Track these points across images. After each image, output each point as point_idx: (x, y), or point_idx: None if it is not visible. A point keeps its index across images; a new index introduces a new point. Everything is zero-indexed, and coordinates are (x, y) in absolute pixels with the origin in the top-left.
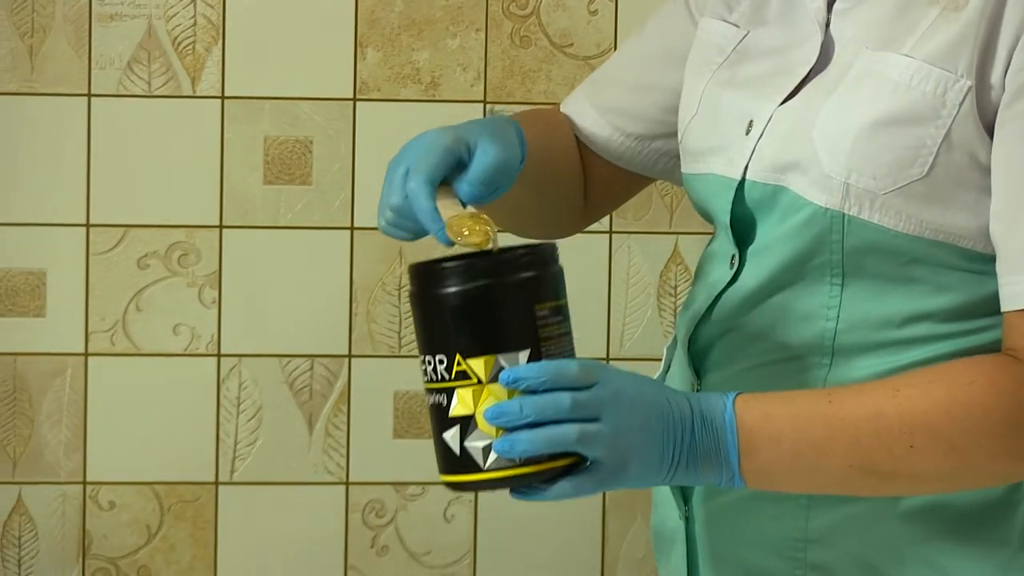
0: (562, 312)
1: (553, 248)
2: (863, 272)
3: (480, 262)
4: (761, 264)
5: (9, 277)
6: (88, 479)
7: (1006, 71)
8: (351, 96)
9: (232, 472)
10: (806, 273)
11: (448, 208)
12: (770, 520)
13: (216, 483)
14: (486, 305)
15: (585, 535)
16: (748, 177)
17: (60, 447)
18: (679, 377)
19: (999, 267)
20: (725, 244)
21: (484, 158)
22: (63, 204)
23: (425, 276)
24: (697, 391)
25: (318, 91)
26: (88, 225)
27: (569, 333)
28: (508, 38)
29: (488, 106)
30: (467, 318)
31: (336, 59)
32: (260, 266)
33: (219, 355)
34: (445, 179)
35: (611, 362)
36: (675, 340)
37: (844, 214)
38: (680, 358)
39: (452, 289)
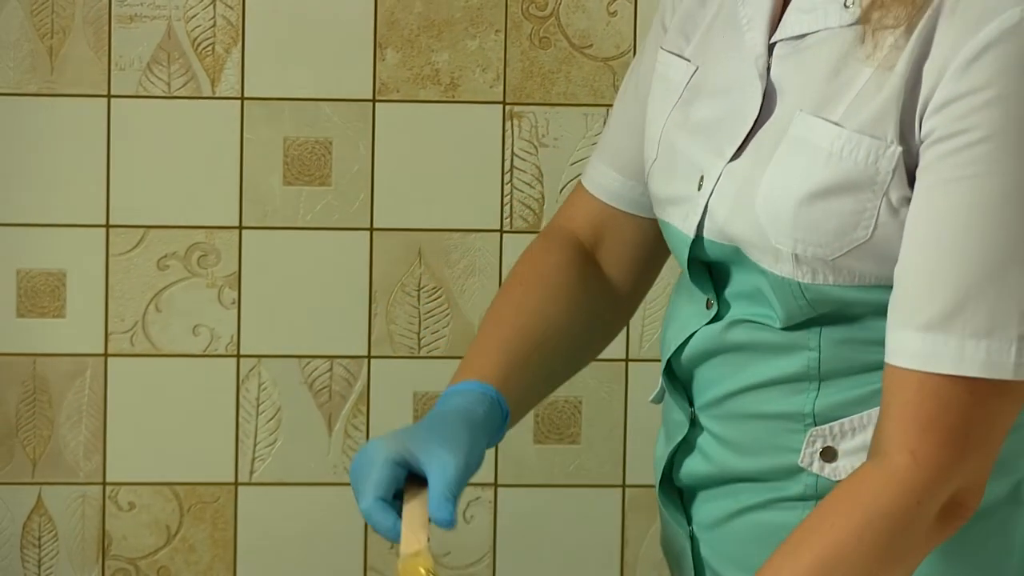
0: None
1: None
2: (836, 315)
3: None
4: (737, 307)
5: (29, 278)
6: (108, 480)
7: (919, 137)
8: (370, 97)
9: (251, 473)
10: (779, 318)
11: (414, 517)
12: (774, 530)
13: (236, 484)
14: None
15: (604, 536)
16: (705, 235)
17: (80, 448)
18: (673, 400)
19: (888, 317)
20: (691, 289)
21: (442, 474)
22: (83, 205)
23: None
24: (690, 418)
25: (337, 92)
26: (108, 226)
27: None
28: (527, 39)
29: (507, 107)
30: None
31: (355, 60)
32: (279, 267)
33: (238, 356)
34: (410, 478)
35: (630, 363)
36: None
37: (799, 282)
38: (665, 383)
39: None
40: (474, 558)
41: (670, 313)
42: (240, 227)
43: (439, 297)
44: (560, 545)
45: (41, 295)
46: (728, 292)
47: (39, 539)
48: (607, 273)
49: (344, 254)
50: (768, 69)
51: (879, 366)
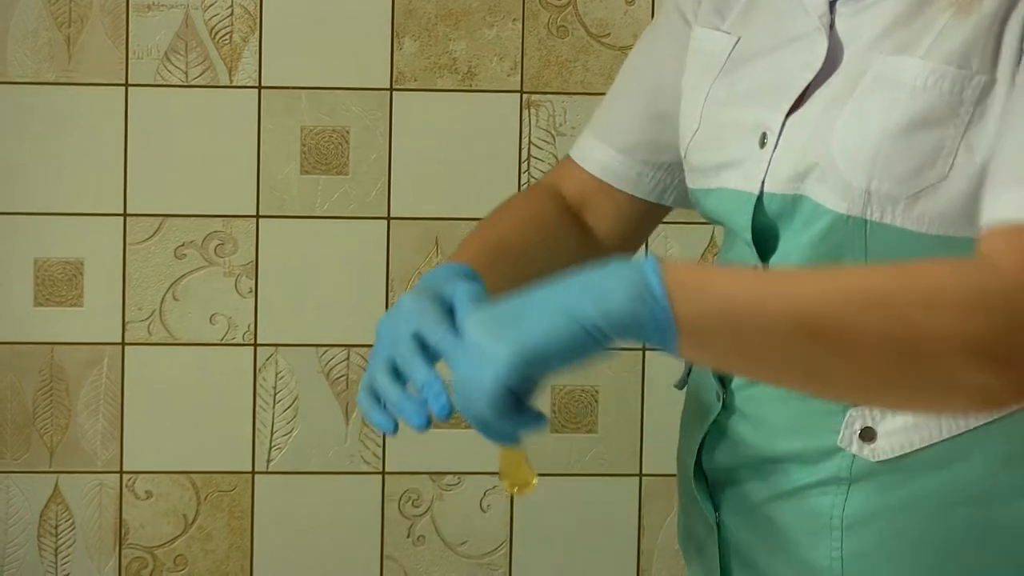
0: None
1: None
2: None
3: None
4: None
5: (47, 267)
6: (125, 468)
7: (1014, 64)
8: (388, 86)
9: (268, 462)
10: None
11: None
12: (805, 517)
13: (252, 472)
14: None
15: (621, 525)
16: (766, 189)
17: (97, 437)
18: (703, 382)
19: (986, 187)
20: (746, 254)
21: (469, 289)
22: (100, 194)
23: None
24: (722, 400)
25: (355, 81)
26: (125, 215)
27: None
28: (545, 28)
29: (525, 96)
30: None
31: (373, 49)
32: (297, 256)
33: (255, 344)
34: None
35: (647, 353)
36: None
37: (866, 220)
38: (702, 366)
39: None
40: (491, 547)
41: None
42: (257, 216)
43: None
44: (577, 534)
45: (59, 284)
46: (774, 260)
47: (56, 528)
48: (591, 229)
49: (361, 243)
50: (831, 26)
51: None
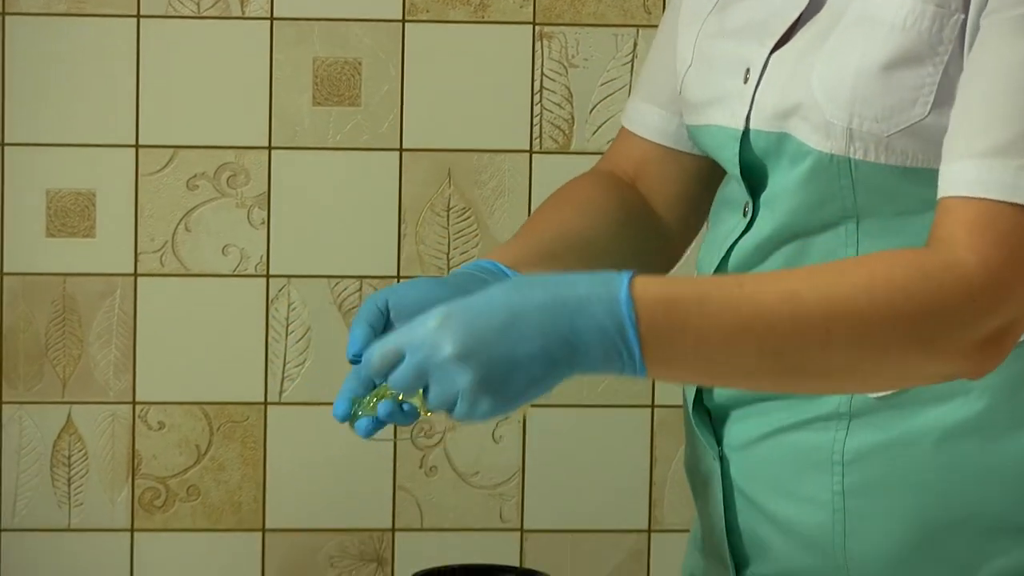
0: None
1: None
2: (878, 210)
3: None
4: (775, 211)
5: (59, 198)
6: (137, 399)
7: (980, 7)
8: (400, 17)
9: (281, 393)
10: (820, 218)
11: None
12: (806, 452)
13: (265, 403)
14: None
15: (633, 457)
16: (751, 126)
17: (109, 367)
18: None
19: (943, 157)
20: (737, 191)
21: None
22: (112, 125)
23: None
24: None
25: (367, 12)
26: (137, 146)
27: None
28: None
29: (537, 27)
30: None
31: None
32: (309, 187)
33: (268, 276)
34: None
35: None
36: None
37: (851, 159)
38: None
39: None
40: (503, 477)
41: (705, 240)
42: (269, 147)
43: (468, 218)
44: (589, 465)
45: (71, 215)
46: (764, 197)
47: (69, 458)
48: (651, 206)
49: (373, 174)
50: None
51: None
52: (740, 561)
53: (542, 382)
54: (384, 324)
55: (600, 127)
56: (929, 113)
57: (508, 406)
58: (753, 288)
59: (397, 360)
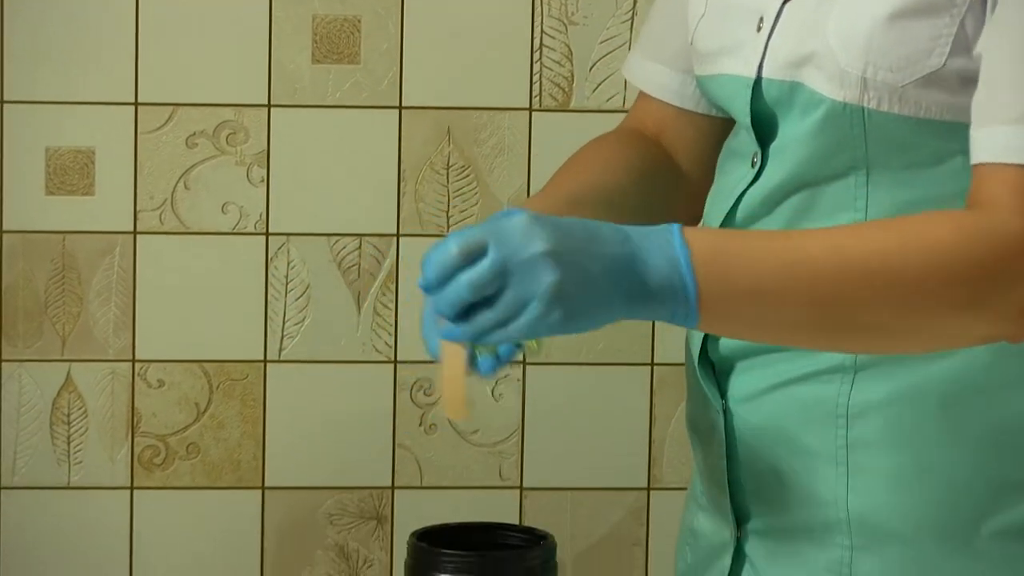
0: None
1: (552, 548)
2: (889, 161)
3: (480, 557)
4: (784, 161)
5: (58, 156)
6: (137, 357)
7: None
8: None
9: (280, 350)
10: (829, 168)
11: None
12: (810, 405)
13: (264, 361)
14: None
15: (632, 415)
16: (764, 75)
17: (109, 325)
18: None
19: (974, 121)
20: (746, 142)
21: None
22: (111, 83)
23: (424, 555)
24: None
25: None
26: (137, 104)
27: None
28: None
29: None
30: None
31: None
32: (308, 145)
33: (267, 234)
34: None
35: None
36: None
37: (864, 108)
38: None
39: None
40: (502, 436)
41: (712, 191)
42: (269, 105)
43: (468, 175)
44: (589, 423)
45: (70, 173)
46: (773, 147)
47: (68, 416)
48: (675, 161)
49: (373, 132)
50: None
51: None
52: (740, 515)
53: (606, 307)
54: None
55: (600, 85)
56: (944, 64)
57: (572, 323)
58: (800, 241)
59: (479, 253)
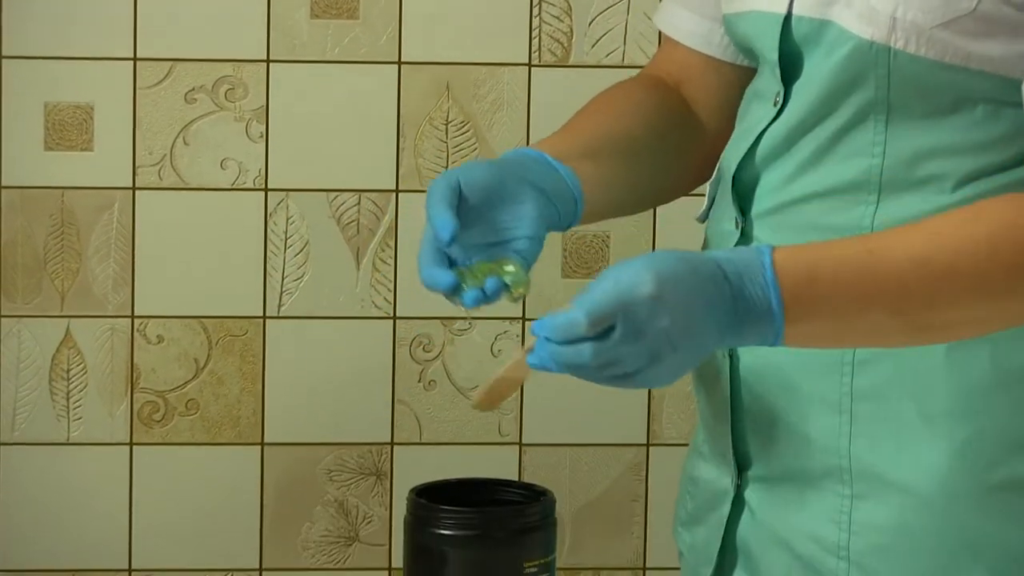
0: (550, 568)
1: (552, 504)
2: (909, 107)
3: (479, 513)
4: (805, 97)
5: (57, 111)
6: (136, 313)
7: None
8: None
9: (280, 306)
10: (849, 107)
11: None
12: (817, 351)
13: (264, 317)
14: (477, 556)
15: None
16: (794, 12)
17: (108, 281)
18: (723, 212)
19: None
20: (770, 82)
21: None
22: (110, 38)
23: (424, 511)
24: (740, 228)
25: None
26: (135, 59)
27: None
28: None
29: None
30: (457, 565)
31: None
32: (307, 100)
33: (266, 190)
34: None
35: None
36: (718, 176)
37: (890, 47)
38: (724, 194)
39: (447, 533)
40: None
41: (733, 135)
42: (268, 60)
43: (467, 131)
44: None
45: (69, 128)
46: (796, 85)
47: (68, 372)
48: (693, 110)
49: (372, 88)
50: None
51: (942, 183)
52: (742, 462)
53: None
54: (458, 202)
55: (599, 40)
56: (975, 8)
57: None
58: (882, 255)
59: (608, 327)
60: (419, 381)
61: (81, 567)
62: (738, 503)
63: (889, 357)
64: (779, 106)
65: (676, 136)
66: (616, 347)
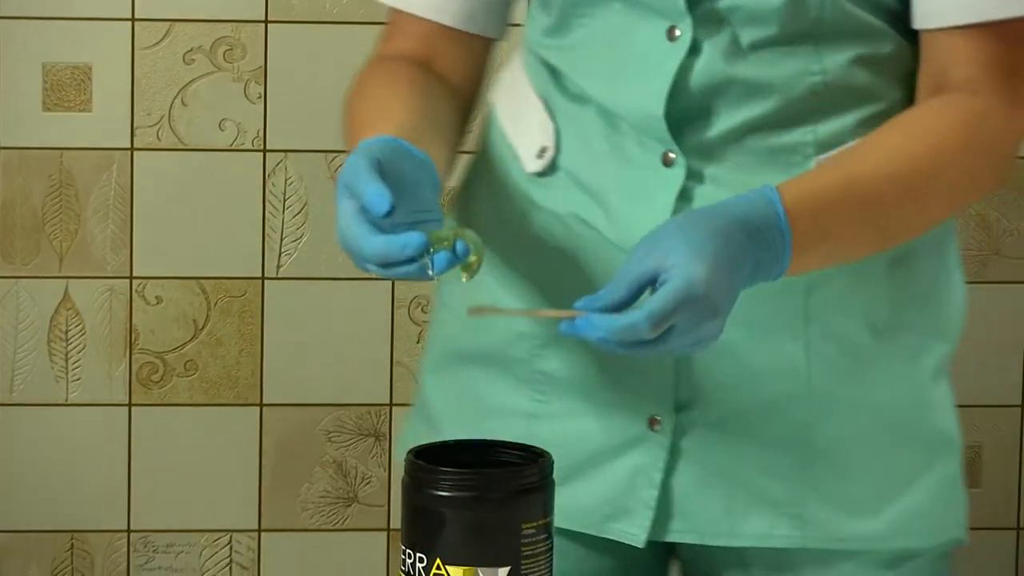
0: (547, 530)
1: (550, 465)
2: (838, 31)
3: (477, 475)
4: (742, 27)
5: (55, 71)
6: (135, 274)
7: None
8: None
9: (278, 267)
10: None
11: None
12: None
13: (262, 278)
14: (475, 518)
15: None
16: None
17: (107, 242)
18: (628, 151)
19: None
20: (653, 14)
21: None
22: None
23: (421, 473)
24: (681, 163)
25: None
26: (133, 19)
27: (551, 549)
28: None
29: None
30: (455, 527)
31: None
32: (306, 61)
33: (265, 150)
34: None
35: None
36: (557, 127)
37: None
38: (626, 132)
39: (445, 494)
40: None
41: (609, 61)
42: (266, 21)
43: None
44: None
45: (67, 89)
46: (714, 11)
47: (66, 333)
48: (451, 83)
49: (370, 48)
50: None
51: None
52: (681, 404)
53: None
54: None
55: None
56: None
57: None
58: (864, 187)
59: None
60: (418, 342)
61: (80, 528)
62: (674, 452)
63: (839, 275)
64: (683, 38)
65: (454, 113)
66: (671, 341)
